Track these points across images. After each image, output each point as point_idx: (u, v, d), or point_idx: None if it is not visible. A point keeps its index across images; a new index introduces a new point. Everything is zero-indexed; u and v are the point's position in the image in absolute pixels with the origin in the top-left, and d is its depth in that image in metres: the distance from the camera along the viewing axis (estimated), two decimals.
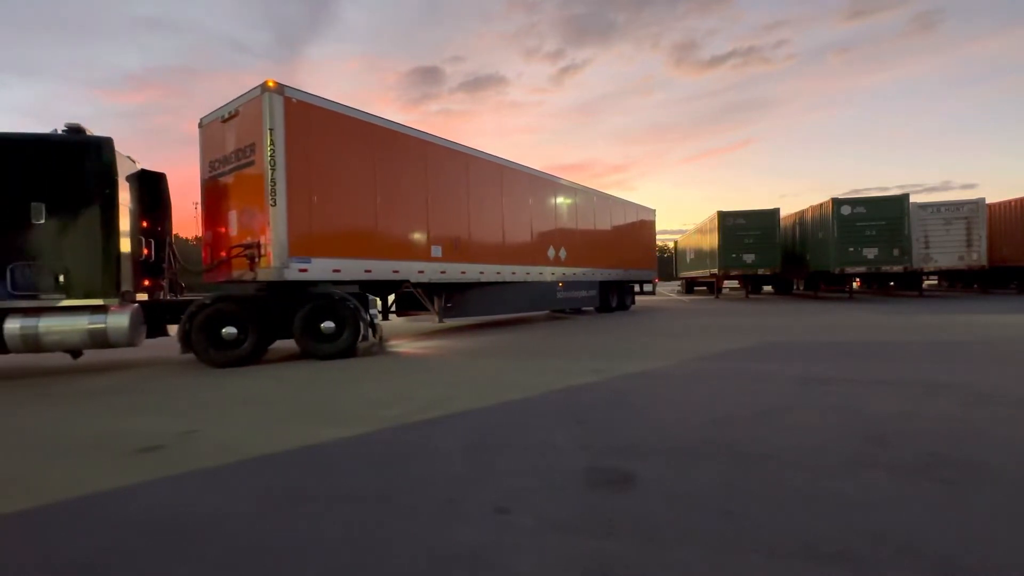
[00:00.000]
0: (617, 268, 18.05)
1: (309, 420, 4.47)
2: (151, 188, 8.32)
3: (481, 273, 11.76)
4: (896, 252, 20.06)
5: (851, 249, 20.34)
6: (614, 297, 18.17)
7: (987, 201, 21.88)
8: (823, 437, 3.57)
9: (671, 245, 41.70)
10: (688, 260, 33.71)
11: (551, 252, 14.52)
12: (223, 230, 8.50)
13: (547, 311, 16.17)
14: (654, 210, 21.80)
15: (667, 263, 43.05)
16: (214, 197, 8.72)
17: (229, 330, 7.68)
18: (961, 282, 27.50)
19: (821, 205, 22.08)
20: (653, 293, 23.45)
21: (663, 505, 2.58)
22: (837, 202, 20.65)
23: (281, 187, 7.57)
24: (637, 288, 20.94)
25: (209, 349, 7.59)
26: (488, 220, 12.18)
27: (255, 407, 5.06)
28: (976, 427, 3.73)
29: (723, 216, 24.19)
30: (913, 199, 20.70)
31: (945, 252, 21.73)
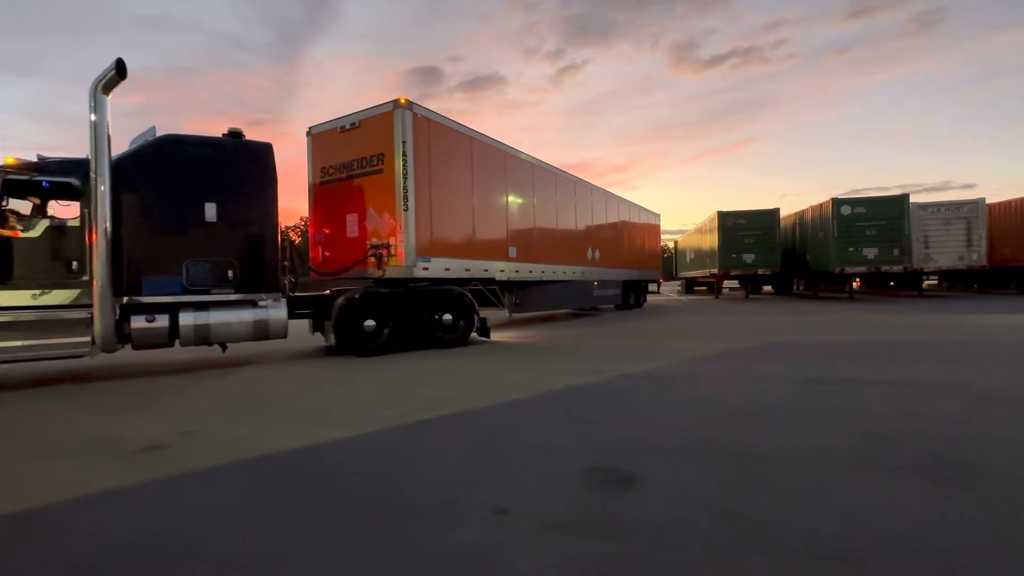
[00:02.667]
0: (634, 268, 19.28)
1: (310, 420, 4.47)
2: None
3: (542, 272, 12.83)
4: (896, 252, 20.06)
5: (851, 249, 20.33)
6: (632, 296, 19.43)
7: (987, 201, 21.90)
8: (823, 437, 3.57)
9: (671, 245, 41.64)
10: (688, 260, 33.70)
11: (589, 253, 15.65)
12: (329, 231, 9.35)
13: (575, 308, 17.24)
14: (659, 215, 23.01)
15: (667, 263, 43.09)
16: (327, 200, 9.40)
17: (369, 322, 8.41)
18: (961, 282, 27.50)
19: (821, 205, 22.08)
20: (658, 292, 24.18)
21: (663, 505, 2.58)
22: (837, 202, 20.64)
23: (411, 193, 8.42)
24: None
25: (355, 339, 8.28)
26: (547, 223, 13.34)
27: (254, 407, 5.06)
28: (976, 427, 3.73)
29: (723, 216, 24.19)
30: (913, 199, 20.70)
31: (945, 252, 21.72)
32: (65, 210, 6.94)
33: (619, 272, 17.80)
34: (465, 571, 2.06)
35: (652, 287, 23.08)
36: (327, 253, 9.38)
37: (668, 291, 37.75)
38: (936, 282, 30.19)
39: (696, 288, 35.81)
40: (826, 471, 2.97)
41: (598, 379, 5.86)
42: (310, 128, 9.74)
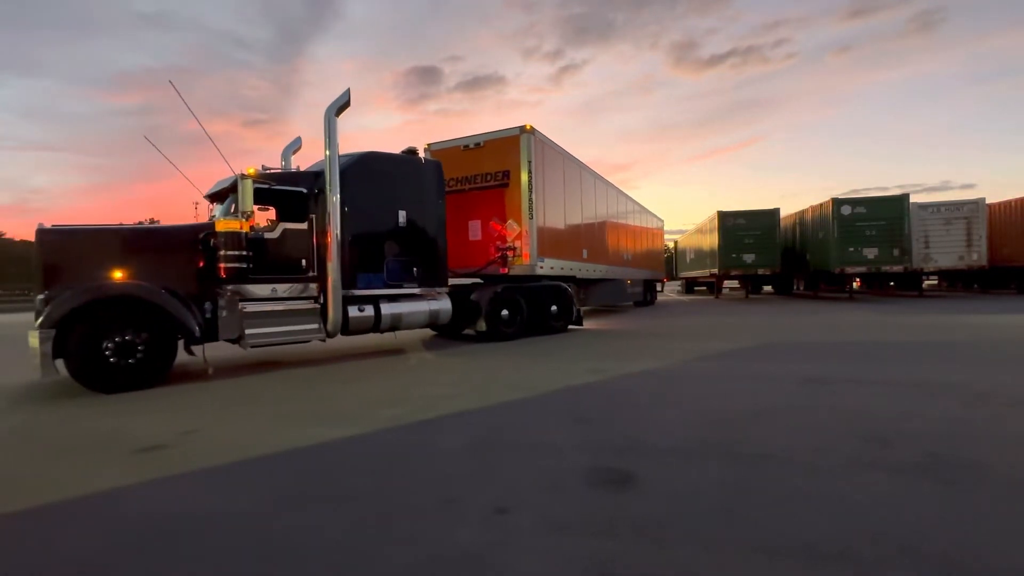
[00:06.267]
0: (648, 269, 20.94)
1: (309, 420, 4.47)
2: None
3: (601, 271, 14.63)
4: (896, 252, 20.05)
5: (851, 249, 20.33)
6: (647, 294, 21.52)
7: (987, 201, 21.88)
8: (823, 437, 3.57)
9: (671, 245, 41.64)
10: (688, 260, 33.69)
11: (625, 255, 17.50)
12: (448, 234, 10.23)
13: (613, 304, 18.78)
14: (663, 220, 24.25)
15: (667, 263, 43.15)
16: (447, 208, 10.22)
17: (505, 312, 9.95)
18: (961, 282, 27.48)
19: (821, 205, 22.07)
20: (662, 291, 25.18)
21: (663, 505, 2.58)
22: (837, 202, 20.63)
23: (535, 204, 10.07)
24: None
25: (498, 326, 9.78)
26: (603, 229, 15.08)
27: (255, 406, 5.06)
28: (976, 427, 3.73)
29: (723, 216, 24.19)
30: (913, 199, 20.70)
31: (945, 252, 21.71)
32: (268, 214, 7.72)
33: (642, 272, 19.65)
34: (465, 571, 2.06)
35: (657, 286, 24.60)
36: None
37: (668, 291, 37.72)
38: (936, 282, 30.15)
39: (696, 288, 35.79)
40: (826, 471, 2.97)
41: (599, 378, 5.86)
42: (429, 144, 11.16)
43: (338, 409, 4.89)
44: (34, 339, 5.59)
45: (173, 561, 2.20)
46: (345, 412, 4.75)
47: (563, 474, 3.02)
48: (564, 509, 2.57)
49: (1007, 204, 22.80)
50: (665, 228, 24.99)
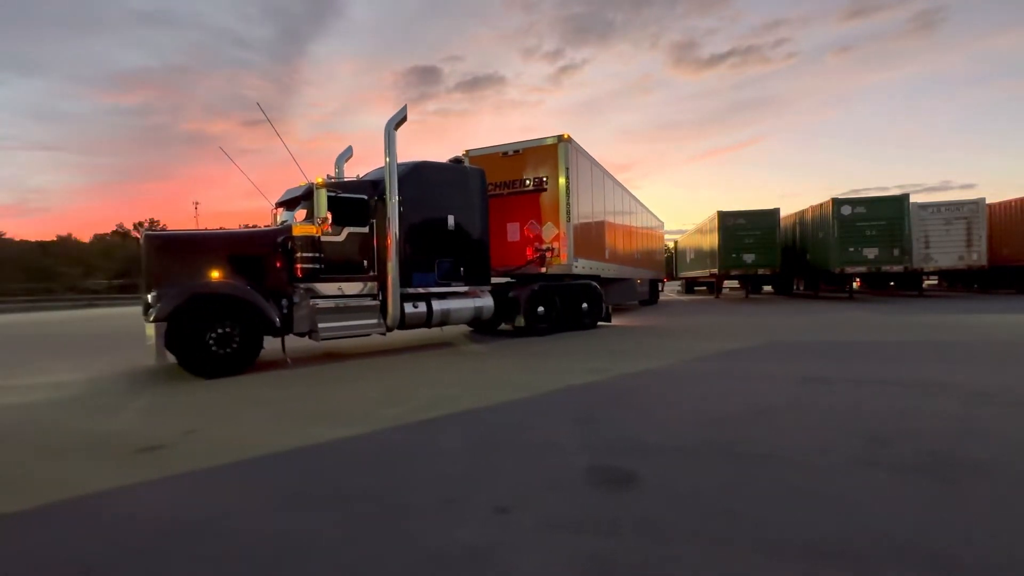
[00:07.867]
0: (652, 269, 21.60)
1: (309, 420, 4.47)
2: None
3: (618, 271, 15.30)
4: (896, 252, 20.03)
5: (851, 249, 20.30)
6: (651, 293, 22.35)
7: (987, 201, 21.88)
8: (823, 437, 3.57)
9: (671, 245, 41.62)
10: (688, 260, 33.66)
11: (635, 255, 18.12)
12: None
13: (626, 302, 19.25)
14: (663, 222, 24.71)
15: (667, 263, 43.09)
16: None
17: (540, 309, 10.54)
18: (961, 282, 27.43)
19: (821, 205, 22.06)
20: (662, 291, 26.55)
21: (664, 505, 2.58)
22: (837, 202, 20.61)
23: (572, 208, 10.72)
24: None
25: (535, 322, 10.33)
26: (620, 231, 15.75)
27: (255, 406, 5.07)
28: (976, 426, 3.73)
29: (723, 216, 24.18)
30: (913, 199, 20.68)
31: (945, 252, 21.68)
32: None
33: (648, 272, 20.25)
34: (465, 571, 2.06)
35: (659, 286, 25.15)
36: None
37: (668, 291, 37.70)
38: (936, 282, 30.13)
39: (696, 288, 35.78)
40: (826, 470, 2.97)
41: (600, 378, 5.86)
42: (467, 151, 11.62)
43: (339, 408, 4.89)
44: (150, 330, 6.32)
45: (174, 561, 2.21)
46: (346, 411, 4.75)
47: (564, 473, 3.02)
48: (565, 508, 2.57)
49: (1007, 204, 22.78)
50: (665, 228, 25.21)
